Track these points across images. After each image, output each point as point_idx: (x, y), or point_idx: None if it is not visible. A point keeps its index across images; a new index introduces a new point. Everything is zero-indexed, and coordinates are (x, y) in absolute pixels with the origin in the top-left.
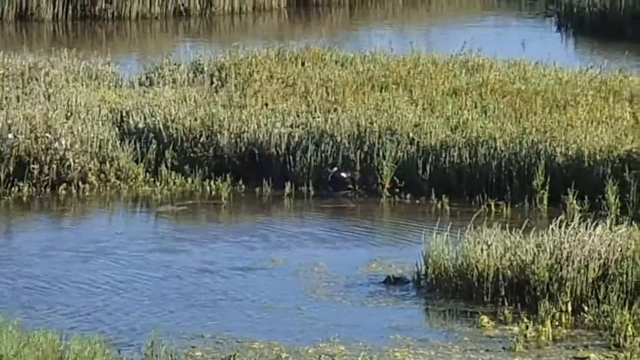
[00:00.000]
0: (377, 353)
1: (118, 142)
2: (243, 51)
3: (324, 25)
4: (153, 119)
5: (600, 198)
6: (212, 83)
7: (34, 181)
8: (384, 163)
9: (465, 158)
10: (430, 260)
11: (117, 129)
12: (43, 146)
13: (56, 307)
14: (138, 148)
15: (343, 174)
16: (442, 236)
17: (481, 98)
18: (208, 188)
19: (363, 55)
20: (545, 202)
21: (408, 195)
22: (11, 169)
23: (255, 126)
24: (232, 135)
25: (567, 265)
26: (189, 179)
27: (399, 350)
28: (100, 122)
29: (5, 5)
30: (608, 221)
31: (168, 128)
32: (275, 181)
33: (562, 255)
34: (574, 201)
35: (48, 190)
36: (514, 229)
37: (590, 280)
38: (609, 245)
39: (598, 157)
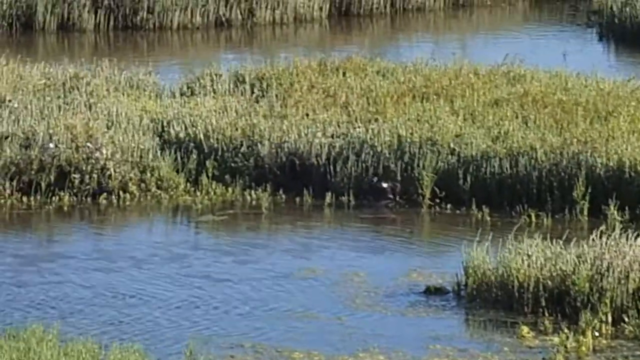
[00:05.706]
0: None
1: (159, 152)
2: (284, 61)
3: (365, 35)
4: (194, 128)
5: None
6: (253, 93)
7: (74, 190)
8: (425, 173)
9: (506, 169)
10: (470, 271)
11: (157, 138)
12: (84, 156)
13: (96, 316)
14: (179, 158)
15: (383, 184)
16: (483, 246)
17: (522, 109)
18: (248, 198)
19: (404, 66)
20: (585, 212)
21: (448, 206)
22: (52, 178)
23: (296, 136)
24: (273, 145)
25: (608, 276)
26: (230, 189)
27: None
28: (141, 132)
29: (47, 16)
30: None
31: (209, 138)
32: (316, 191)
33: (602, 265)
34: (615, 212)
35: (89, 199)
36: (554, 240)
37: (631, 290)
38: None
39: (639, 168)
